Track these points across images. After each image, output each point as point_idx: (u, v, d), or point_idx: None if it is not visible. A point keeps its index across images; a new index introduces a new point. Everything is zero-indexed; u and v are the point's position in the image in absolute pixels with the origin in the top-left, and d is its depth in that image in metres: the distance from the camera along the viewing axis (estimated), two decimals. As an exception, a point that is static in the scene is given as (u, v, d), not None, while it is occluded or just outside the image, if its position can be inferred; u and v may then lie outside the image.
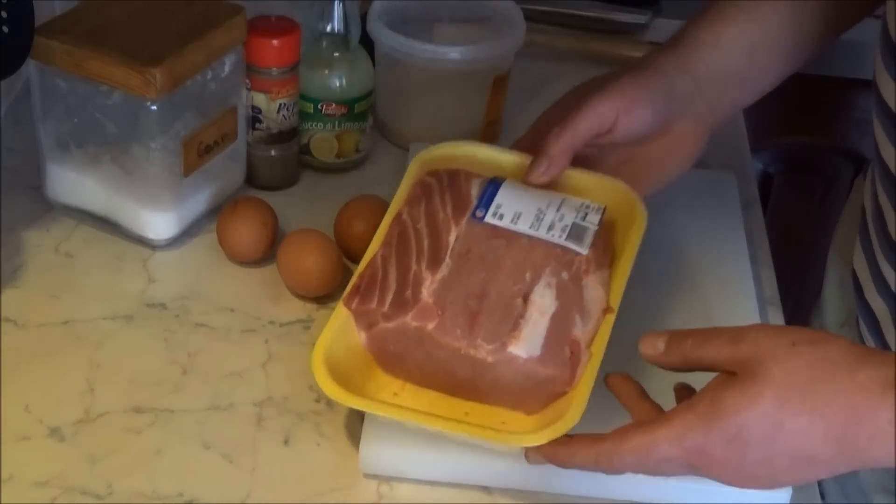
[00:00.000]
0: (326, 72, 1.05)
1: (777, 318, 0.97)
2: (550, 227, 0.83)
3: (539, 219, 0.84)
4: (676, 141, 0.90)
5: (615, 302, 0.81)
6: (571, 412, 0.74)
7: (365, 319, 0.81)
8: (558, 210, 0.85)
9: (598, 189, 0.88)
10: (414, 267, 0.82)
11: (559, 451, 0.73)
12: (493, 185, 0.87)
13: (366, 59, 1.07)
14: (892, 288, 0.86)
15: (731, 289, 0.95)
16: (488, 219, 0.84)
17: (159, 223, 0.98)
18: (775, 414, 0.66)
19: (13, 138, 1.08)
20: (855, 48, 1.43)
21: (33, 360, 0.88)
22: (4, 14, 0.87)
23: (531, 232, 0.83)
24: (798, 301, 1.15)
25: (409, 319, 0.79)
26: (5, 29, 0.88)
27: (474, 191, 0.86)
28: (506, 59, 1.11)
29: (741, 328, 0.70)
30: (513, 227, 0.84)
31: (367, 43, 1.09)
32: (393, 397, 0.81)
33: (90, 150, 0.97)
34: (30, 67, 0.95)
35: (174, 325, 0.92)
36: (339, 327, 0.80)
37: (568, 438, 0.73)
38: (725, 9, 0.90)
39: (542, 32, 1.28)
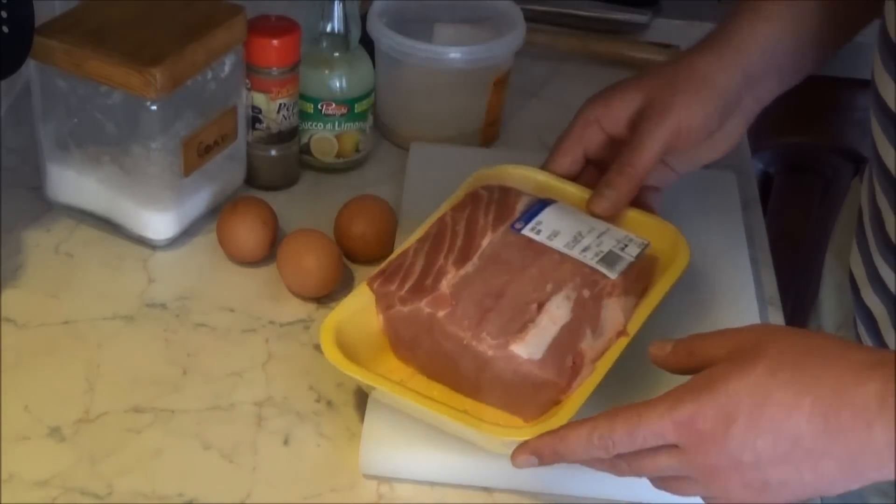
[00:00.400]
0: (326, 72, 1.05)
1: (777, 318, 0.97)
2: (585, 249, 0.85)
3: (576, 240, 0.85)
4: (722, 133, 0.91)
5: (633, 328, 0.81)
6: (559, 417, 0.75)
7: (384, 301, 0.83)
8: (598, 237, 0.86)
9: (648, 228, 0.89)
10: (441, 261, 0.84)
11: (548, 440, 0.72)
12: (540, 204, 0.88)
13: (366, 59, 1.07)
14: (891, 289, 0.86)
15: (731, 289, 0.95)
16: (525, 231, 0.86)
17: (159, 223, 0.98)
18: (764, 383, 0.66)
19: (13, 138, 1.08)
20: (855, 48, 1.42)
21: (33, 360, 0.88)
22: (4, 14, 0.87)
23: (565, 250, 0.84)
24: (798, 301, 1.16)
25: (423, 305, 0.81)
26: (5, 29, 0.87)
27: (520, 206, 0.88)
28: (506, 59, 1.11)
29: (745, 326, 0.71)
30: (548, 243, 0.85)
31: (367, 43, 1.09)
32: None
33: (90, 150, 0.97)
34: (30, 67, 0.95)
35: (174, 325, 0.92)
36: (359, 306, 0.83)
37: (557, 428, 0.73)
38: (771, 5, 0.90)
39: (542, 32, 1.28)
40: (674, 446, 0.68)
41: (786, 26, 0.90)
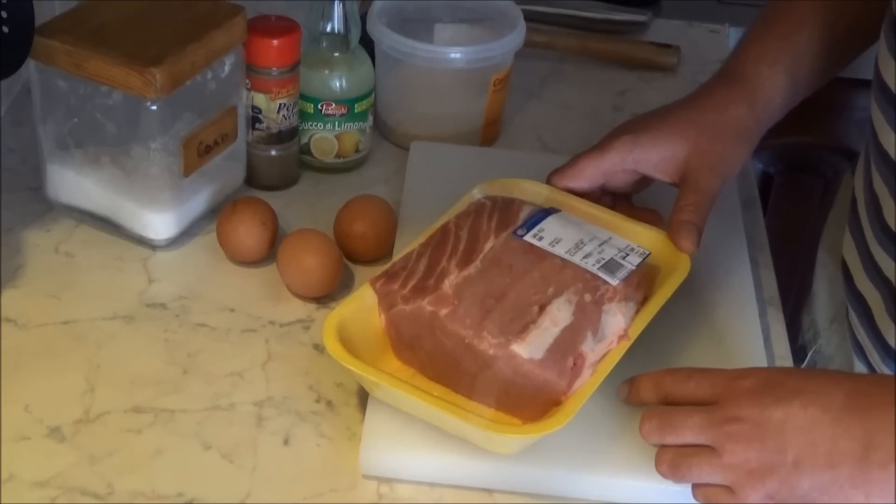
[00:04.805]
0: (326, 72, 1.05)
1: (777, 318, 0.97)
2: (587, 256, 0.85)
3: (578, 247, 0.86)
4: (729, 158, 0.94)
5: (634, 332, 0.82)
6: (559, 416, 0.76)
7: (387, 300, 0.83)
8: (600, 245, 0.87)
9: (650, 239, 0.90)
10: (444, 263, 0.84)
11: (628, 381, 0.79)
12: (542, 213, 0.89)
13: (366, 59, 1.07)
14: (889, 276, 0.86)
15: (731, 290, 0.95)
16: (527, 238, 0.86)
17: (159, 223, 0.98)
18: (803, 372, 0.78)
19: (13, 138, 1.08)
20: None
21: (33, 360, 0.88)
22: (4, 14, 0.87)
23: (566, 256, 0.85)
24: (797, 301, 1.15)
25: (426, 304, 0.81)
26: (5, 29, 0.88)
27: (523, 215, 0.89)
28: (506, 59, 1.11)
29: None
30: (549, 249, 0.85)
31: (367, 43, 1.09)
32: None
33: (90, 151, 0.97)
34: (30, 67, 0.95)
35: (174, 325, 0.92)
36: (360, 307, 0.83)
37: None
38: (784, 42, 0.95)
39: (542, 32, 1.28)
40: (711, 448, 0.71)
41: (799, 78, 0.95)
